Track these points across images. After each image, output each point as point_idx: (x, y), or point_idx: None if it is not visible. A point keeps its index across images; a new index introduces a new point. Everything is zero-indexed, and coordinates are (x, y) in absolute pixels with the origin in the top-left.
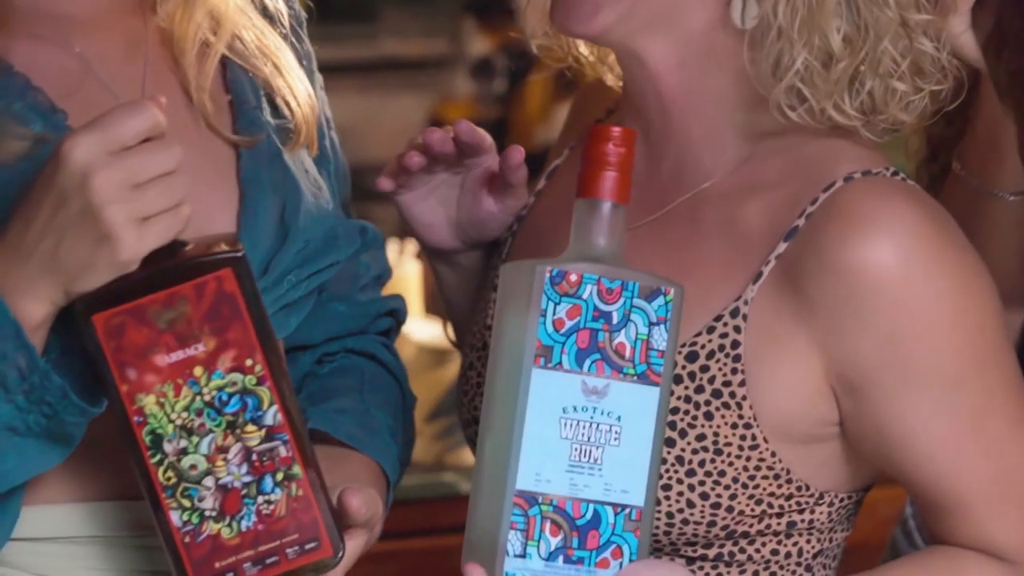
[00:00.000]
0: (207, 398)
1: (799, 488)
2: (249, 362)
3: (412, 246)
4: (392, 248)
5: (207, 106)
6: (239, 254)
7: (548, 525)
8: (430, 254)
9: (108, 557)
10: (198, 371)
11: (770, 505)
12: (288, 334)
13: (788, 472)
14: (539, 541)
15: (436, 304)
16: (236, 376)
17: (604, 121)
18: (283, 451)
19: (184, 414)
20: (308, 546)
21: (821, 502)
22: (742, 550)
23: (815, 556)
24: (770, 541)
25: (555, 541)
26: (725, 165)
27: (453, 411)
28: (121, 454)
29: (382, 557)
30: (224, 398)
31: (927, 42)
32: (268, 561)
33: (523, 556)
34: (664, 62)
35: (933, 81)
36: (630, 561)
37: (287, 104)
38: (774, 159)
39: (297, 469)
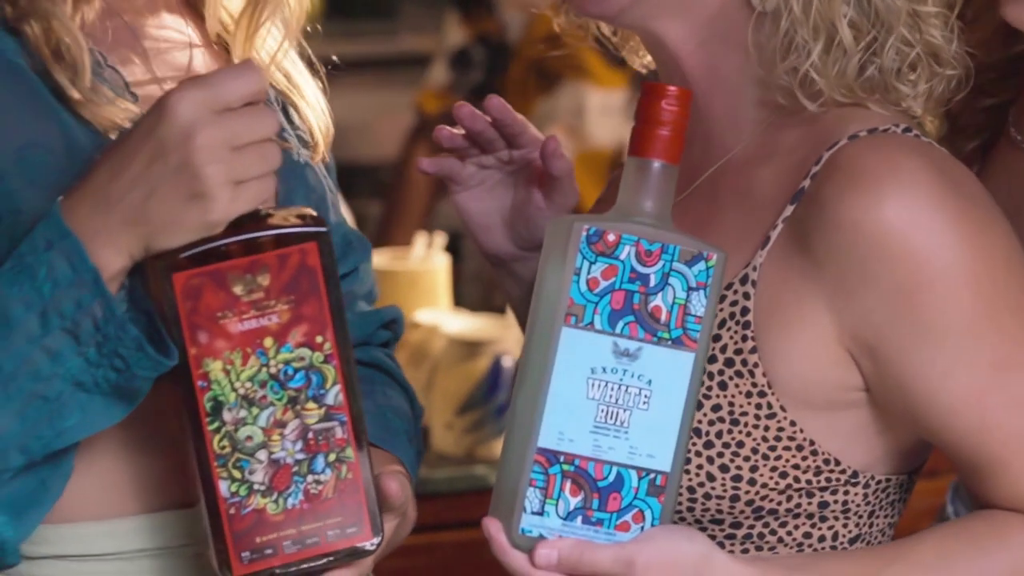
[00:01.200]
0: (273, 370)
1: (827, 462)
2: (319, 339)
3: (440, 239)
4: (420, 241)
5: None
6: (325, 229)
7: (568, 484)
8: (492, 263)
9: (162, 570)
10: (268, 342)
11: (796, 480)
12: None
13: (812, 443)
14: (558, 500)
15: (465, 297)
16: (304, 351)
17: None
18: (339, 432)
19: (248, 384)
20: (349, 530)
21: (855, 482)
22: (772, 531)
23: (852, 541)
24: (803, 524)
25: (575, 501)
26: (744, 138)
27: (484, 404)
28: (176, 460)
29: (413, 550)
30: (289, 372)
31: (937, 32)
32: (308, 541)
33: (541, 514)
34: (684, 44)
35: (948, 68)
36: (652, 526)
37: (304, 113)
38: (790, 129)
39: (350, 452)
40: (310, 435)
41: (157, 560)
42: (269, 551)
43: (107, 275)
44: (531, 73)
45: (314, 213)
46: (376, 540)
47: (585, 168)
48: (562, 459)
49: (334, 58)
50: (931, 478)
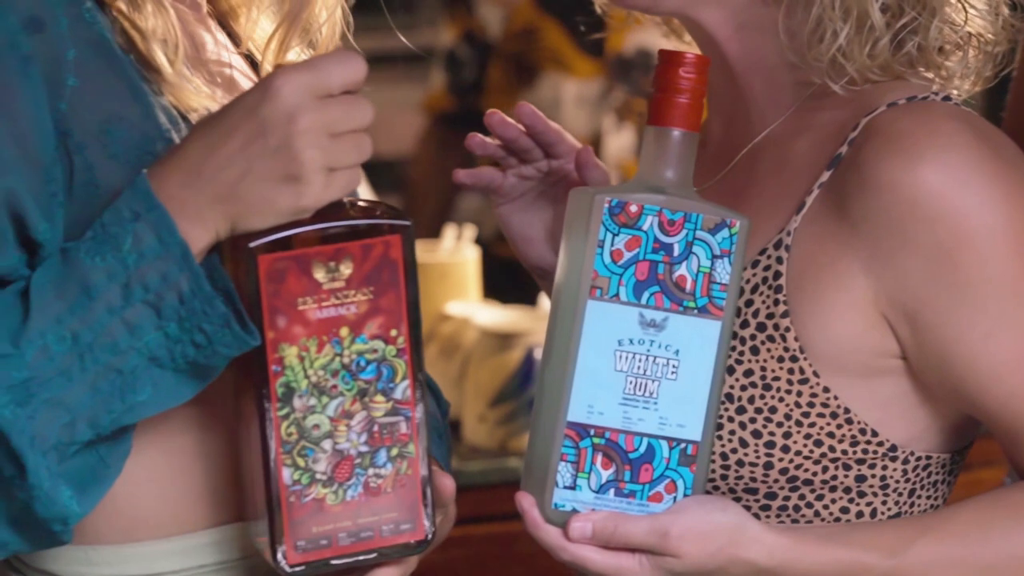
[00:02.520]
0: (346, 360)
1: (863, 431)
2: (394, 332)
3: (470, 231)
4: (450, 234)
5: None
6: (409, 223)
7: (600, 457)
8: (535, 275)
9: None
10: (344, 332)
11: (831, 449)
12: None
13: (847, 412)
14: (590, 473)
15: (495, 290)
16: (378, 344)
17: None
18: (403, 428)
19: (321, 372)
20: (403, 527)
21: (894, 456)
22: (809, 504)
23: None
24: (840, 498)
25: (606, 474)
26: (783, 113)
27: (516, 396)
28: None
29: (446, 543)
30: (362, 363)
31: (984, 10)
32: (363, 535)
33: (573, 488)
34: (722, 29)
35: (995, 45)
36: (684, 496)
37: None
38: (827, 103)
39: (412, 448)
40: (375, 428)
41: (217, 575)
42: (324, 542)
43: (192, 251)
44: (512, 68)
45: (395, 207)
46: (427, 538)
47: None
48: (592, 432)
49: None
50: (988, 467)
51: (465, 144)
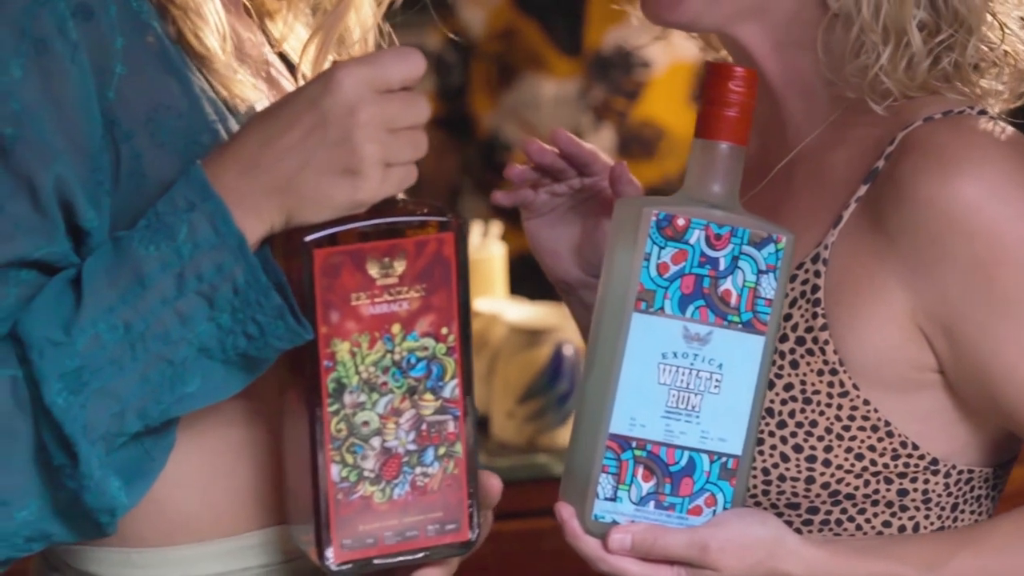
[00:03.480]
0: (397, 357)
1: (903, 445)
2: (444, 330)
3: (496, 228)
4: (476, 230)
5: None
6: (462, 220)
7: (641, 470)
8: (560, 290)
9: None
10: (395, 328)
11: (872, 463)
12: None
13: (888, 424)
14: (631, 485)
15: (521, 285)
16: (429, 342)
17: None
18: (451, 426)
19: (372, 368)
20: (448, 527)
21: (935, 470)
22: (851, 518)
23: None
24: (882, 512)
25: (647, 486)
26: (819, 127)
27: (545, 392)
28: (273, 477)
29: None
30: (412, 361)
31: (1020, 31)
32: (408, 534)
33: (613, 499)
34: (760, 46)
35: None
36: (724, 510)
37: None
38: (863, 118)
39: (459, 448)
40: (424, 426)
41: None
42: (370, 540)
43: (248, 242)
44: (493, 69)
45: (441, 203)
46: (472, 539)
47: None
48: (634, 445)
49: None
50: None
51: (505, 175)
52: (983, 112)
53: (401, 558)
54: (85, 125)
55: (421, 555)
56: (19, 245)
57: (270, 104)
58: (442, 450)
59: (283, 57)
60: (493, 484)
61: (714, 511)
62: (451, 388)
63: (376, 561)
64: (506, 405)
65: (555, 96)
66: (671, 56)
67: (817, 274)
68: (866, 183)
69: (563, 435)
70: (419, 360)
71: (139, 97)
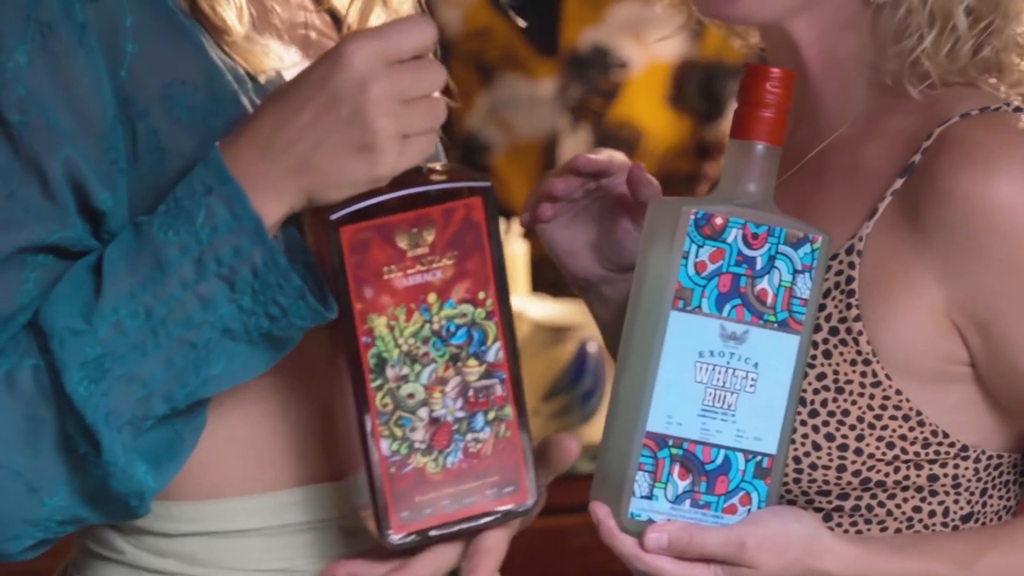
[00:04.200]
0: (436, 327)
1: (934, 434)
2: (482, 295)
3: (517, 225)
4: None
5: None
6: (488, 184)
7: (677, 468)
8: (579, 288)
9: (308, 544)
10: (431, 298)
11: (903, 451)
12: None
13: (919, 414)
14: (667, 484)
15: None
16: (467, 308)
17: None
18: (499, 390)
19: (411, 340)
20: (506, 490)
21: (965, 456)
22: (881, 504)
23: (964, 519)
24: (912, 497)
25: (683, 484)
26: (853, 117)
27: (569, 390)
28: (317, 433)
29: None
30: (452, 328)
31: None
32: (466, 501)
33: (649, 498)
34: (807, 34)
35: None
36: (758, 508)
37: None
38: (898, 109)
39: (509, 410)
40: (470, 393)
41: (302, 535)
42: (428, 511)
43: (266, 224)
44: (470, 69)
45: (478, 169)
46: (531, 501)
47: (514, 161)
48: (671, 443)
49: None
50: None
51: (551, 191)
52: (1019, 109)
53: (462, 525)
54: (95, 106)
55: (482, 521)
56: (32, 231)
57: (285, 83)
58: (492, 414)
59: (334, 15)
60: (569, 446)
61: (749, 510)
62: (495, 352)
63: (436, 530)
64: (530, 402)
65: (532, 96)
66: (648, 56)
67: (852, 265)
68: (902, 176)
69: (587, 432)
70: (459, 327)
71: (152, 74)
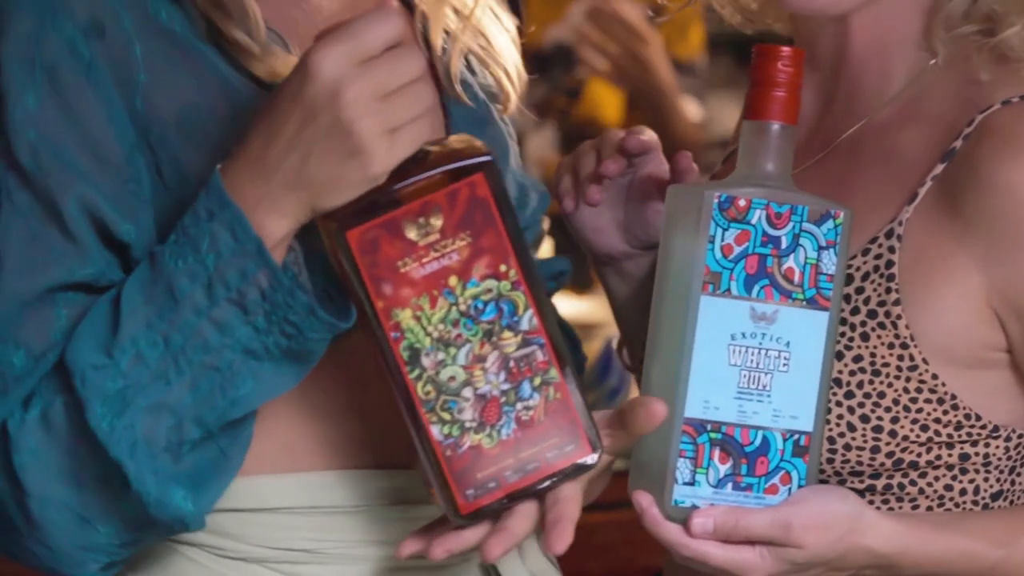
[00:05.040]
0: (463, 307)
1: (967, 417)
2: (503, 267)
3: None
4: None
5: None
6: (489, 158)
7: (717, 452)
8: (599, 264)
9: (340, 527)
10: (453, 281)
11: (937, 433)
12: None
13: (954, 398)
14: (708, 468)
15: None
16: (491, 283)
17: None
18: (540, 355)
19: (441, 326)
20: (567, 448)
21: (996, 435)
22: (912, 482)
23: (994, 497)
24: (943, 475)
25: (724, 468)
26: (889, 100)
27: (596, 387)
28: (383, 423)
29: None
30: (480, 306)
31: None
32: (529, 467)
33: (692, 484)
34: (864, 19)
35: None
36: (799, 487)
37: (492, 60)
38: (936, 90)
39: (554, 372)
40: (511, 364)
41: (332, 517)
42: (492, 484)
43: (272, 242)
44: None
45: (476, 141)
46: (596, 454)
47: None
48: (709, 427)
49: None
50: None
51: (603, 172)
52: None
53: (530, 491)
54: (110, 140)
55: (548, 483)
56: (57, 271)
57: (267, 98)
58: (537, 380)
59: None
60: (655, 409)
61: (789, 489)
62: (528, 320)
63: (505, 501)
64: None
65: None
66: None
67: (891, 249)
68: (943, 162)
69: None
70: (487, 303)
71: (165, 101)
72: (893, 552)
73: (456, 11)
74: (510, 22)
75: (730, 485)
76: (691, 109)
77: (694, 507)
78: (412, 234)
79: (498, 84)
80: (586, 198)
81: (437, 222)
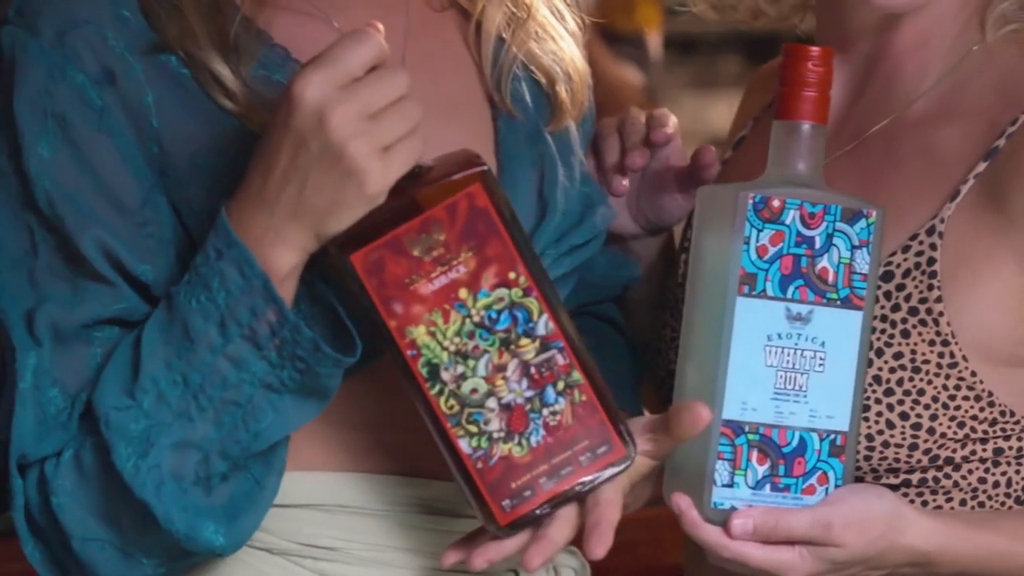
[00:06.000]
0: (477, 319)
1: (1003, 413)
2: (512, 275)
3: None
4: None
5: (500, 84)
6: (484, 167)
7: (755, 454)
8: (607, 242)
9: (362, 529)
10: (463, 293)
11: (973, 429)
12: None
13: (991, 395)
14: (746, 470)
15: None
16: (502, 291)
17: None
18: (560, 359)
19: (456, 339)
20: (600, 450)
21: None
22: (947, 476)
23: None
24: (976, 469)
25: (762, 469)
26: (924, 92)
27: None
28: (416, 432)
29: None
30: (493, 316)
31: None
32: (563, 472)
33: (730, 485)
34: (916, 15)
35: None
36: (835, 487)
37: (556, 77)
38: (973, 85)
39: (577, 375)
40: (532, 370)
41: (358, 519)
42: (528, 493)
43: (280, 275)
44: None
45: (472, 152)
46: (630, 452)
47: None
48: (747, 429)
49: None
50: None
51: (628, 166)
52: None
53: (567, 496)
54: (124, 186)
55: (584, 486)
56: (90, 307)
57: (262, 135)
58: (561, 384)
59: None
60: (700, 414)
61: (827, 489)
62: (543, 324)
63: (543, 508)
64: None
65: None
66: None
67: (933, 247)
68: (985, 160)
69: None
70: (500, 312)
71: (178, 146)
72: (932, 549)
73: (512, 14)
74: (573, 23)
75: (768, 486)
76: (632, 74)
77: (733, 509)
78: (416, 251)
79: (552, 94)
80: (611, 189)
81: (440, 236)
